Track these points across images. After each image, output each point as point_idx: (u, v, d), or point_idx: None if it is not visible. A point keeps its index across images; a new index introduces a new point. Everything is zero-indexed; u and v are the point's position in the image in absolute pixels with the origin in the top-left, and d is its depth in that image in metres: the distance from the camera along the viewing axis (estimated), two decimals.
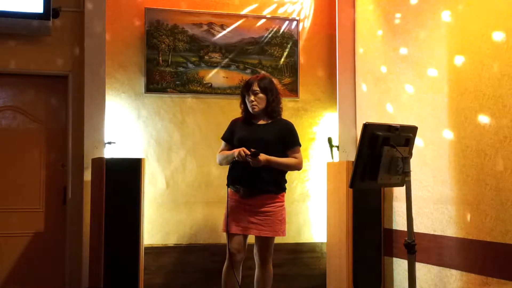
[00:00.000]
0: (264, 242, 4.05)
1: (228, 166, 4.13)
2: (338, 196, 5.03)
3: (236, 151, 3.96)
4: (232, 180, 4.07)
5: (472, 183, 4.07)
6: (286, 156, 4.07)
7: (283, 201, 4.10)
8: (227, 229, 4.03)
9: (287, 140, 4.10)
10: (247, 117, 4.16)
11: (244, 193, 4.00)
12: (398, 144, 3.27)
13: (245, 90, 4.12)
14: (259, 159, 3.88)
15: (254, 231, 4.00)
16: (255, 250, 4.11)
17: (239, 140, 4.07)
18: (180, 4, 5.27)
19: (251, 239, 4.13)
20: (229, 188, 4.11)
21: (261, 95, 4.07)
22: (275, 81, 5.39)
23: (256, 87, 4.07)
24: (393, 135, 3.27)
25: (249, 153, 3.88)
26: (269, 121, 4.13)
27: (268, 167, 3.95)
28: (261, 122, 4.13)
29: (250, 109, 4.10)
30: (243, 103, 4.16)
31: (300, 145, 4.15)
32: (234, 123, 4.23)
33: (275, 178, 4.05)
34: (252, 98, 4.06)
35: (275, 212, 4.02)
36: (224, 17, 5.35)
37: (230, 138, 4.17)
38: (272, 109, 4.10)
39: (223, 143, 4.23)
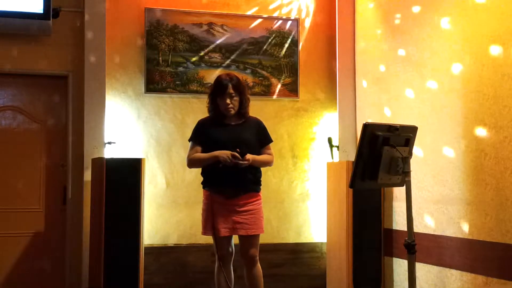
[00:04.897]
0: (252, 241, 4.03)
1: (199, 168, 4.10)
2: (338, 196, 5.02)
3: (220, 154, 3.88)
4: (215, 182, 4.00)
5: (472, 183, 4.07)
6: (260, 153, 4.07)
7: (261, 198, 4.11)
8: (214, 233, 3.97)
9: (262, 138, 4.11)
10: (217, 118, 4.06)
11: (231, 194, 3.97)
12: (398, 144, 3.27)
13: (219, 92, 3.99)
14: (248, 159, 3.89)
15: (242, 231, 3.98)
16: (241, 251, 4.05)
17: (219, 142, 3.95)
18: (180, 4, 5.27)
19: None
20: (206, 190, 4.04)
21: (236, 97, 4.00)
22: (275, 81, 5.47)
23: (232, 90, 3.96)
24: (393, 135, 3.27)
25: (239, 156, 3.84)
26: (242, 121, 4.08)
27: (250, 166, 3.95)
28: (232, 122, 4.06)
29: (225, 112, 4.00)
30: (212, 103, 4.05)
31: (272, 141, 4.17)
32: (202, 124, 4.10)
33: (257, 176, 4.07)
34: (228, 101, 3.97)
35: (258, 210, 4.04)
36: (224, 17, 5.35)
37: (202, 140, 4.05)
38: (244, 109, 4.06)
39: (191, 144, 4.09)
